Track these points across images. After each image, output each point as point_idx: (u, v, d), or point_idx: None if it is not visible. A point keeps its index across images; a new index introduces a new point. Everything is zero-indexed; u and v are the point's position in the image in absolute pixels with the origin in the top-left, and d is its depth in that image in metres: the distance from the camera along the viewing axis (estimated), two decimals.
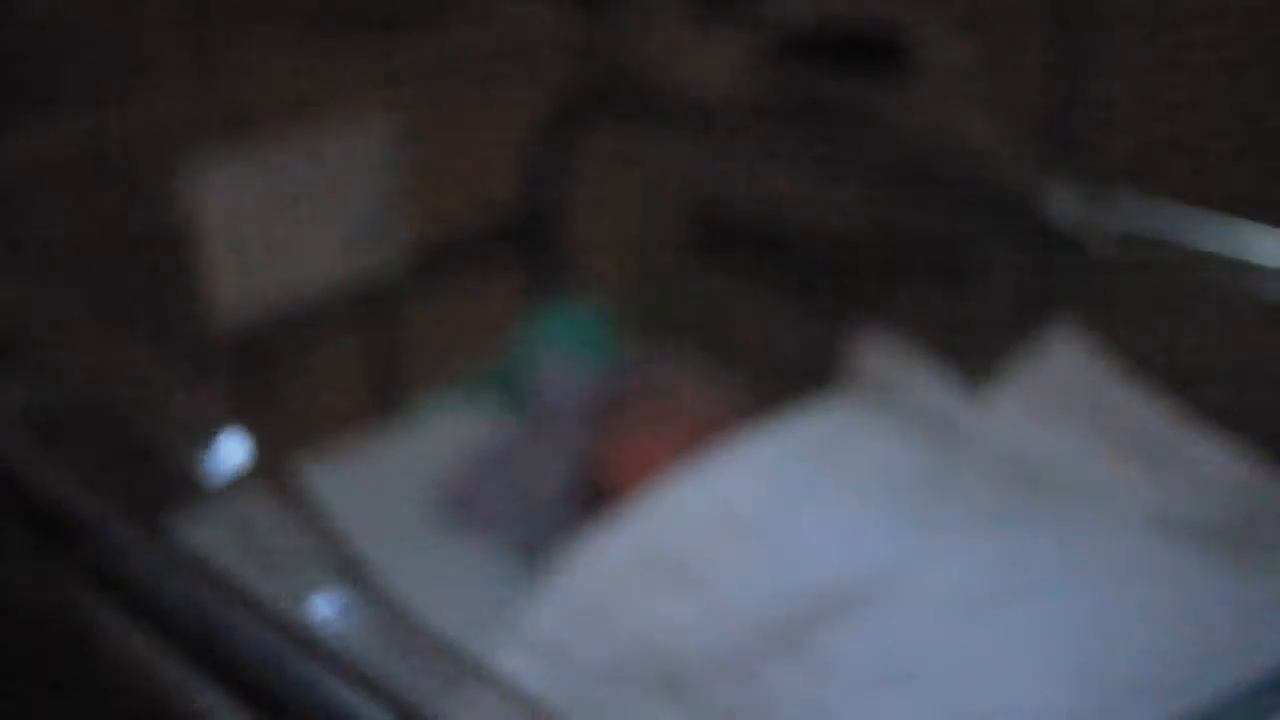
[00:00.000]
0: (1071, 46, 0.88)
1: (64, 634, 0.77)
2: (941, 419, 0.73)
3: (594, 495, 0.77)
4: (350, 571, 0.60)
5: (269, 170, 0.88)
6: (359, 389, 0.97)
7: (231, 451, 0.67)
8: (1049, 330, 0.77)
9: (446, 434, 0.90)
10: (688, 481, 0.67)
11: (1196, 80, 0.80)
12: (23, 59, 0.86)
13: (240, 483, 0.66)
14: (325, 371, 0.96)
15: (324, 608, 0.63)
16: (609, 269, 1.07)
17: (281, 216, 0.89)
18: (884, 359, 0.80)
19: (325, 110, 0.91)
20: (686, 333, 0.98)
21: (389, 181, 0.94)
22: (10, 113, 0.84)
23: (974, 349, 0.82)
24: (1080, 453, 0.70)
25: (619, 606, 0.65)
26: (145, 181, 0.87)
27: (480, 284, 1.02)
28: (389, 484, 0.85)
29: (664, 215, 1.06)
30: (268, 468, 0.64)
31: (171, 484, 0.79)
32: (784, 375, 0.89)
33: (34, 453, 0.70)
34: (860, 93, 0.94)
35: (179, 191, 0.87)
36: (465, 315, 1.00)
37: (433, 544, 0.81)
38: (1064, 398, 0.72)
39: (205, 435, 0.67)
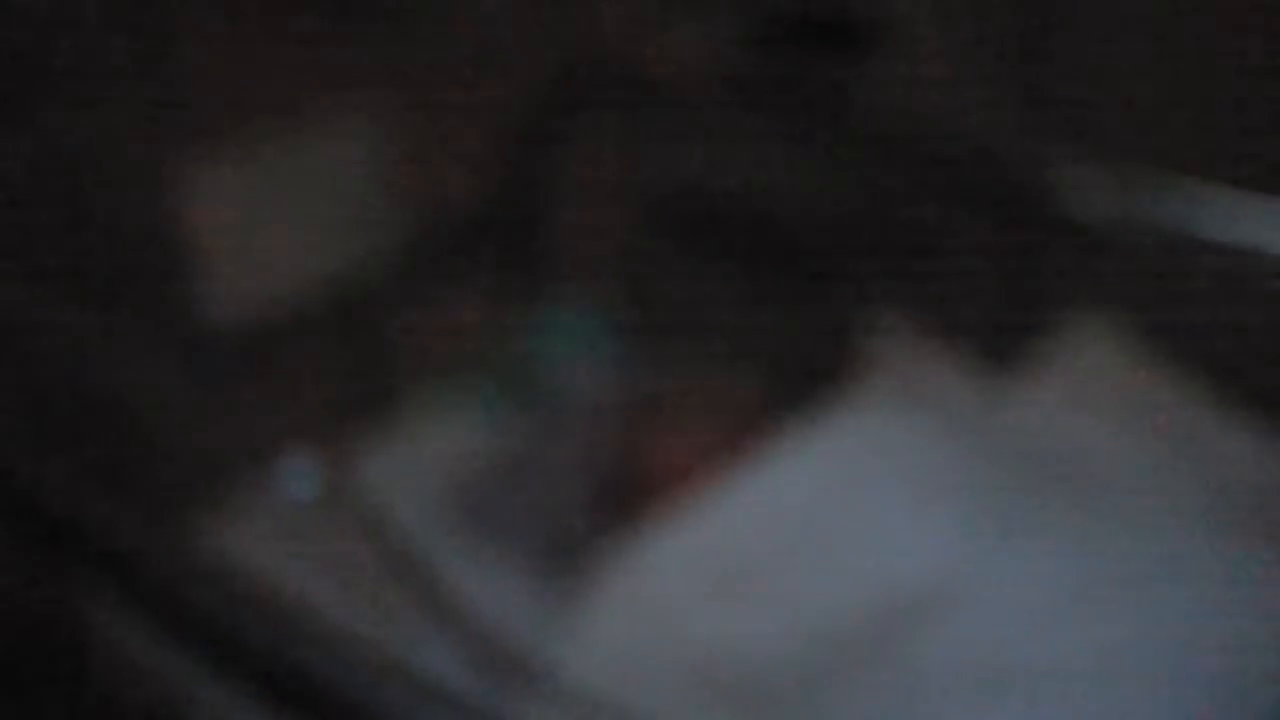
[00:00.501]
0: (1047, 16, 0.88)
1: (81, 644, 0.76)
2: (978, 414, 0.73)
3: (626, 497, 0.76)
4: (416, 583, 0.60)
5: (256, 169, 0.87)
6: (350, 391, 0.95)
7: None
8: (1074, 317, 0.76)
9: (449, 437, 0.88)
10: (746, 487, 0.67)
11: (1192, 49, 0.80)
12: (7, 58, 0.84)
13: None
14: (316, 373, 0.94)
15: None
16: (595, 262, 1.06)
17: (270, 216, 0.88)
18: (902, 349, 0.80)
19: (312, 106, 0.89)
20: (676, 324, 0.97)
21: (376, 178, 0.93)
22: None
23: (973, 332, 0.82)
24: (1121, 447, 0.69)
25: (689, 615, 0.64)
26: (134, 181, 0.86)
27: (469, 281, 1.01)
28: (394, 490, 0.83)
29: (646, 204, 1.05)
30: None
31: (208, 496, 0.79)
32: (783, 365, 0.88)
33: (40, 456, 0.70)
34: (837, 71, 0.93)
35: (167, 191, 0.85)
36: (456, 313, 0.99)
37: (449, 552, 0.79)
38: (1098, 389, 0.72)
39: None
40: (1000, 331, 0.80)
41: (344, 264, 0.91)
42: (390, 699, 0.55)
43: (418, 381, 0.95)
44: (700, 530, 0.66)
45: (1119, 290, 0.78)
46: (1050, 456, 0.71)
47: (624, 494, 0.77)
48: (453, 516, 0.82)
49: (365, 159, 0.91)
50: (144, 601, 0.65)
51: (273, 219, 0.88)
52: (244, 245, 0.87)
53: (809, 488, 0.66)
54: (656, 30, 1.02)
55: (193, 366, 0.85)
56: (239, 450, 0.86)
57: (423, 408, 0.94)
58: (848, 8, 0.98)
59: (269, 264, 0.88)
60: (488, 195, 1.00)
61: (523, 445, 0.85)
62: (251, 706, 0.58)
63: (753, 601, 0.64)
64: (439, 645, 0.69)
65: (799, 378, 0.82)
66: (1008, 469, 0.68)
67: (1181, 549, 0.61)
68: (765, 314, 0.95)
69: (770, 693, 0.61)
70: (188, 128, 0.85)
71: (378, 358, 0.96)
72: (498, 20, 0.99)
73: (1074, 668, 0.56)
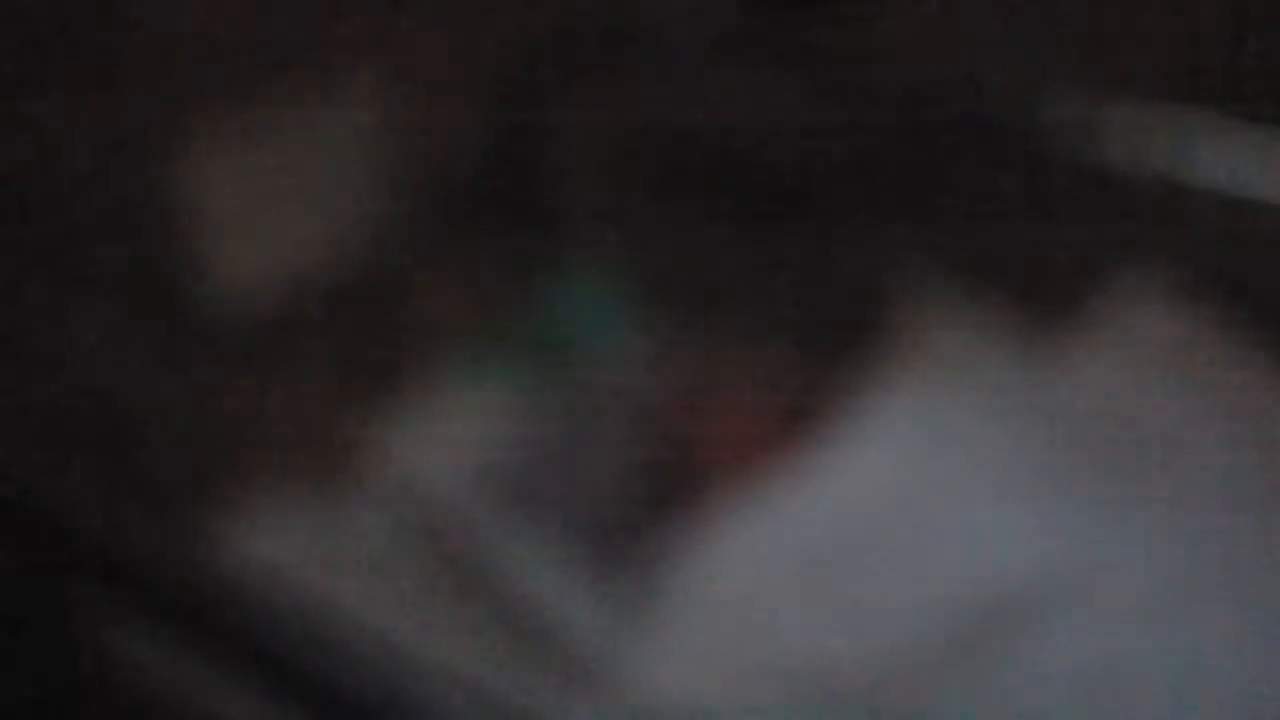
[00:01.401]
0: None
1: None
2: (1034, 389, 0.72)
3: (671, 482, 0.74)
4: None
5: (250, 149, 0.85)
6: (365, 370, 0.94)
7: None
8: (1120, 278, 0.75)
9: (473, 417, 0.86)
10: (813, 477, 0.66)
11: None
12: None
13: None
14: (328, 358, 0.92)
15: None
16: (602, 227, 1.04)
17: (269, 196, 0.86)
18: (944, 317, 0.78)
19: (303, 76, 0.87)
20: (684, 288, 0.96)
21: (374, 149, 0.91)
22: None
23: (1015, 296, 0.81)
24: (1192, 425, 0.68)
25: (767, 613, 0.64)
26: (138, 164, 0.84)
27: (476, 253, 0.99)
28: (422, 475, 0.81)
29: (646, 162, 1.03)
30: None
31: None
32: (818, 334, 0.87)
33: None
34: (840, 16, 0.92)
35: (169, 172, 0.83)
36: (466, 288, 0.97)
37: (489, 542, 0.77)
38: (1159, 361, 0.71)
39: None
40: (1043, 294, 0.79)
41: (349, 242, 0.88)
42: (431, 704, 0.54)
43: (434, 361, 0.93)
44: (771, 523, 0.65)
45: (1167, 246, 0.77)
46: (1120, 438, 0.70)
47: (669, 478, 0.75)
48: (487, 503, 0.81)
49: (362, 130, 0.89)
50: (156, 610, 0.64)
51: (272, 200, 0.86)
52: (245, 229, 0.85)
53: (879, 477, 0.65)
54: None
55: (199, 359, 0.83)
56: (253, 444, 0.84)
57: (441, 387, 0.93)
58: None
59: (272, 247, 0.86)
60: (486, 160, 0.99)
61: (554, 426, 0.83)
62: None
63: (833, 599, 0.63)
64: (488, 644, 0.68)
65: (837, 347, 0.81)
66: (1079, 451, 0.68)
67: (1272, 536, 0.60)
68: (792, 280, 0.94)
69: (858, 693, 0.61)
70: (177, 111, 0.83)
71: (390, 338, 0.94)
72: None
73: (1178, 664, 0.56)
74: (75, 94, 0.82)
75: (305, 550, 0.70)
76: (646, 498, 0.76)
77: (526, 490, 0.83)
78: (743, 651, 0.63)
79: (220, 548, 0.70)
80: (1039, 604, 0.60)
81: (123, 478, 0.81)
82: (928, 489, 0.65)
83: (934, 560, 0.63)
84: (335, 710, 0.57)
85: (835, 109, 0.92)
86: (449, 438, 0.86)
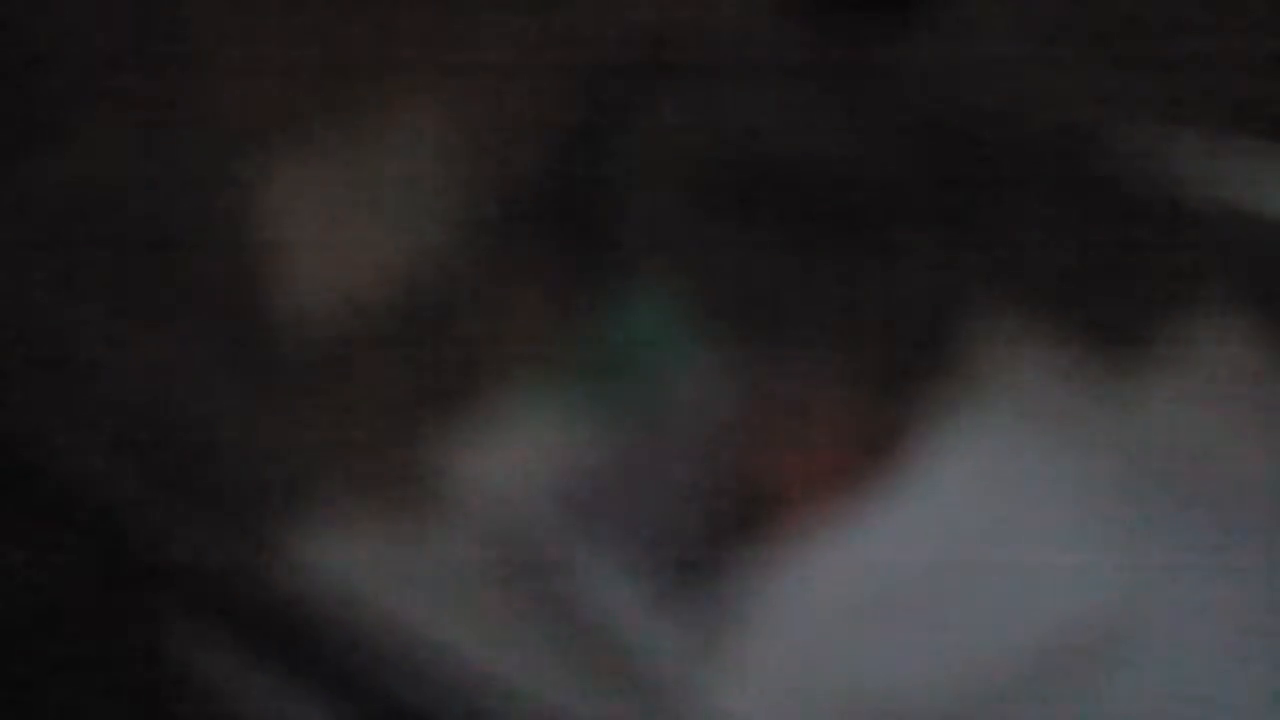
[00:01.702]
0: None
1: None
2: (1106, 424, 0.72)
3: (740, 508, 0.74)
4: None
5: (321, 166, 0.85)
6: (437, 389, 0.94)
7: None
8: (1190, 311, 0.75)
9: (545, 435, 0.87)
10: (882, 508, 0.66)
11: None
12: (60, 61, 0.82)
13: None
14: (399, 372, 0.93)
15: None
16: (665, 246, 1.04)
17: (338, 213, 0.86)
18: (1010, 347, 0.78)
19: (384, 98, 0.87)
20: (750, 310, 0.96)
21: (443, 165, 0.91)
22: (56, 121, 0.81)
23: (1083, 329, 0.81)
24: (1264, 459, 0.68)
25: (838, 643, 0.64)
26: (212, 182, 0.84)
27: (543, 272, 0.99)
28: (492, 493, 0.82)
29: (713, 182, 1.03)
30: None
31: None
32: (882, 362, 0.87)
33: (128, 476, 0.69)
34: (893, 33, 0.91)
35: (240, 191, 0.83)
36: (536, 305, 0.97)
37: (560, 555, 0.78)
38: (1231, 392, 0.71)
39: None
40: (1115, 325, 0.79)
41: (420, 262, 0.89)
42: None
43: (505, 379, 0.93)
44: (842, 552, 0.65)
45: (1241, 277, 0.77)
46: (1195, 475, 0.70)
47: (739, 504, 0.76)
48: (561, 523, 0.81)
49: (431, 150, 0.89)
50: (231, 625, 0.65)
51: (340, 216, 0.87)
52: (316, 248, 0.86)
53: (949, 510, 0.65)
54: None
55: (274, 378, 0.84)
56: (327, 462, 0.85)
57: (513, 406, 0.93)
58: None
59: (340, 263, 0.87)
60: (555, 180, 0.99)
61: (625, 447, 0.83)
62: None
63: (904, 632, 0.63)
64: (561, 664, 0.69)
65: (905, 375, 0.81)
66: (1153, 489, 0.67)
67: None
68: (859, 305, 0.94)
69: None
70: (249, 131, 0.84)
71: (461, 357, 0.94)
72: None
73: (1258, 710, 0.55)
74: (147, 113, 0.83)
75: (380, 569, 0.70)
76: (718, 522, 0.76)
77: (599, 511, 0.84)
78: (812, 681, 0.63)
79: (295, 565, 0.70)
80: (1113, 644, 0.60)
81: (199, 494, 0.82)
82: (998, 523, 0.65)
83: (1005, 597, 0.63)
84: None
85: (901, 130, 0.92)
86: (521, 457, 0.87)
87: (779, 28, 0.95)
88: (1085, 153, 0.83)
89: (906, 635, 0.63)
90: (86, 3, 0.81)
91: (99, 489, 0.69)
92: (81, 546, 0.70)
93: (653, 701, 0.64)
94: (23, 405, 0.71)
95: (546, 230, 0.99)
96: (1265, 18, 0.82)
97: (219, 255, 0.85)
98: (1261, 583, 0.60)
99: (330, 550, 0.76)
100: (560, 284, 0.99)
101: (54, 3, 0.81)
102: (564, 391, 0.93)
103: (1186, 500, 0.67)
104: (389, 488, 0.81)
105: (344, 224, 0.87)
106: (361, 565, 0.71)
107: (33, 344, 0.77)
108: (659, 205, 1.03)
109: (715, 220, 1.01)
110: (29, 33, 0.81)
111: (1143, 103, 0.82)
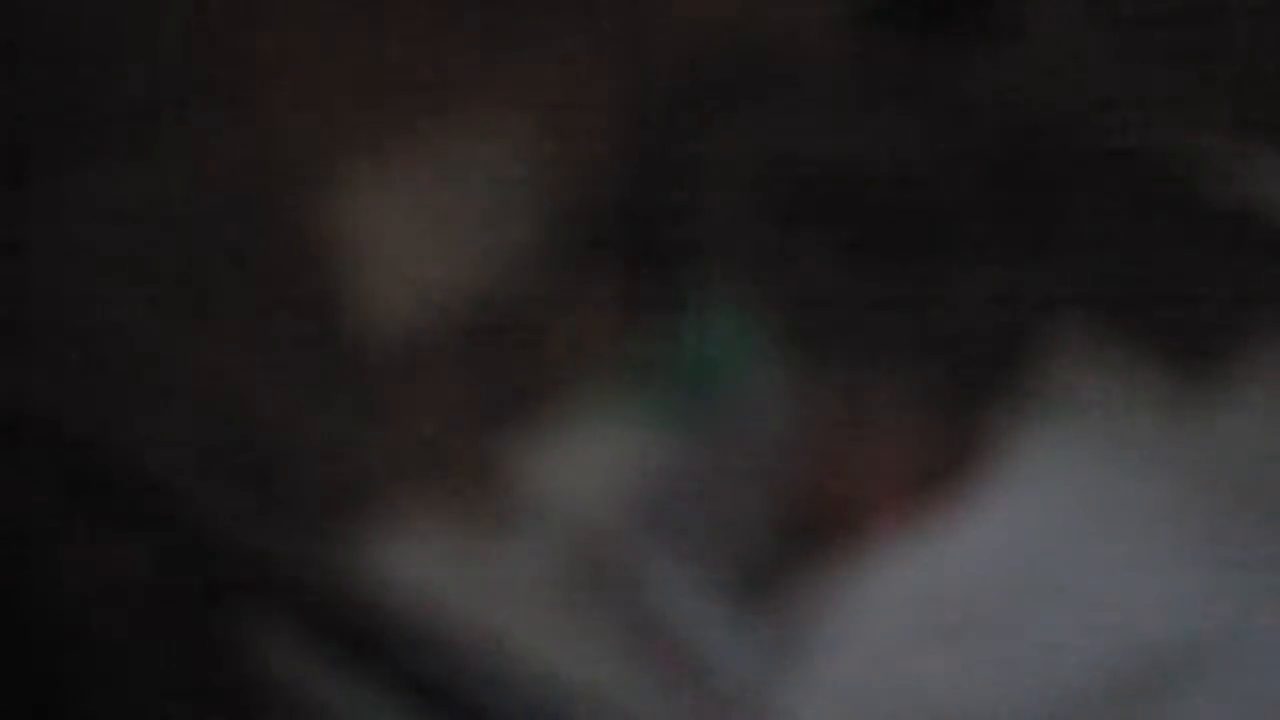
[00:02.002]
0: None
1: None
2: (1183, 441, 0.71)
3: (815, 523, 0.75)
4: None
5: (398, 177, 0.86)
6: (510, 398, 0.95)
7: None
8: (1269, 326, 0.74)
9: (617, 445, 0.87)
10: (959, 524, 0.66)
11: None
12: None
13: None
14: (472, 381, 0.94)
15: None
16: (731, 256, 1.05)
17: (413, 223, 0.87)
18: (1085, 361, 0.78)
19: (458, 114, 0.88)
20: (820, 322, 0.96)
21: (515, 177, 0.91)
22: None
23: (1156, 343, 0.80)
24: None
25: (914, 661, 0.64)
26: (282, 196, 0.85)
27: (611, 281, 0.99)
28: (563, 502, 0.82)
29: (778, 192, 1.03)
30: None
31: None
32: (952, 374, 0.87)
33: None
34: (958, 52, 0.91)
35: (316, 205, 0.84)
36: (605, 316, 0.98)
37: (632, 564, 0.78)
38: None
39: None
40: (1188, 341, 0.78)
41: (490, 268, 0.90)
42: None
43: (576, 390, 0.94)
44: (917, 569, 0.65)
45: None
46: (1271, 493, 0.69)
47: (812, 519, 0.76)
48: (633, 532, 0.82)
49: (504, 162, 0.90)
50: (304, 628, 0.65)
51: (419, 231, 0.87)
52: (389, 255, 0.86)
53: (1028, 527, 0.65)
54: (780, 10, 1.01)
55: (349, 385, 0.85)
56: (401, 468, 0.86)
57: (584, 416, 0.94)
58: None
59: (415, 273, 0.87)
60: (625, 191, 0.99)
61: (696, 457, 0.84)
62: None
63: (973, 649, 0.63)
64: (631, 670, 0.69)
65: (976, 390, 0.81)
66: (1230, 508, 0.67)
67: None
68: (929, 319, 0.94)
69: None
70: (325, 147, 0.85)
71: (533, 367, 0.95)
72: (623, 8, 0.97)
73: None
74: (228, 128, 0.84)
75: (455, 574, 0.71)
76: (790, 536, 0.76)
77: (672, 521, 0.84)
78: (882, 695, 0.63)
79: (371, 569, 0.71)
80: (1186, 664, 0.59)
81: (275, 500, 0.83)
82: (1073, 541, 0.65)
83: (1077, 614, 0.62)
84: None
85: (972, 141, 0.91)
86: (594, 466, 0.88)
87: (848, 44, 0.95)
88: (1160, 169, 0.82)
89: (979, 653, 0.62)
90: (163, 25, 0.82)
91: (180, 496, 0.70)
92: (163, 551, 0.71)
93: (725, 711, 0.64)
94: (106, 414, 0.72)
95: (619, 245, 0.99)
96: None
97: (295, 266, 0.85)
98: None
99: (406, 555, 0.77)
100: (633, 298, 0.99)
101: (132, 24, 0.82)
102: (638, 404, 0.94)
103: (1263, 518, 0.67)
104: (464, 494, 0.81)
105: (419, 236, 0.87)
106: (436, 570, 0.72)
107: (112, 352, 0.78)
108: (730, 221, 1.03)
109: (787, 236, 1.01)
110: (106, 51, 0.82)
111: (1218, 119, 0.82)
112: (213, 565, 0.69)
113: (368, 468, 0.84)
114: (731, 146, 1.02)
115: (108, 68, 0.82)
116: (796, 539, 0.76)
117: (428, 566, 0.72)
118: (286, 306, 0.86)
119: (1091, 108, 0.86)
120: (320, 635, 0.66)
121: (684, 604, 0.80)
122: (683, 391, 0.91)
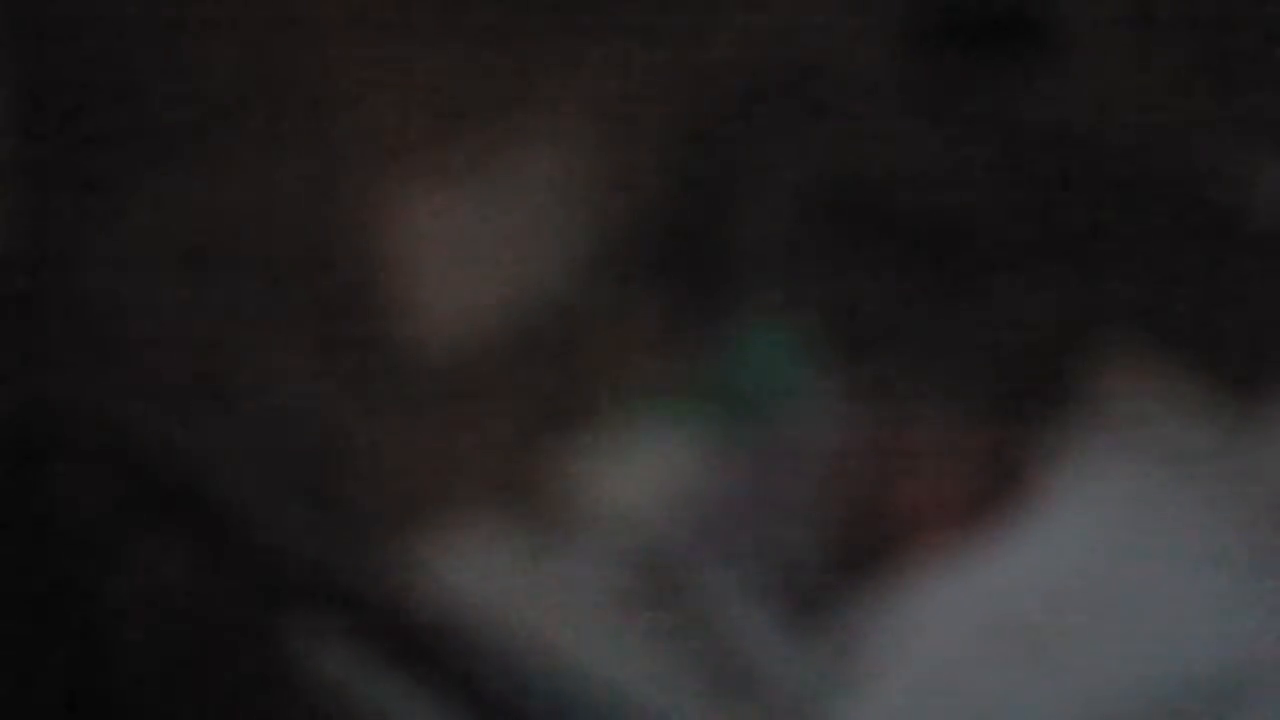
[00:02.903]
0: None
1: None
2: (1230, 463, 0.72)
3: (864, 538, 0.75)
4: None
5: (451, 190, 0.86)
6: (562, 409, 0.95)
7: None
8: None
9: (669, 458, 0.88)
10: (1014, 542, 0.66)
11: None
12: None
13: None
14: (525, 393, 0.94)
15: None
16: (777, 272, 1.05)
17: (466, 236, 0.87)
18: (1133, 383, 0.78)
19: (511, 130, 0.88)
20: (869, 338, 0.96)
21: (565, 191, 0.92)
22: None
23: (1203, 364, 0.80)
24: None
25: (968, 676, 0.64)
26: (336, 208, 0.86)
27: (660, 295, 1.00)
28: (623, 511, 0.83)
29: (825, 209, 1.04)
30: None
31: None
32: (1004, 393, 0.87)
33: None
34: (1007, 71, 0.92)
35: (371, 215, 0.85)
36: (655, 329, 0.98)
37: (682, 581, 0.79)
38: None
39: None
40: (1237, 357, 0.78)
41: (544, 282, 0.90)
42: None
43: (627, 401, 0.94)
44: (973, 586, 0.65)
45: None
46: None
47: (865, 536, 0.76)
48: (687, 543, 0.82)
49: (556, 177, 0.91)
50: (360, 635, 0.65)
51: (471, 240, 0.88)
52: (446, 269, 0.87)
53: (1079, 548, 0.65)
54: (827, 28, 1.01)
55: (405, 396, 0.85)
56: (457, 479, 0.86)
57: (636, 428, 0.95)
58: (1023, 8, 0.96)
59: (471, 287, 0.88)
60: (675, 206, 1.00)
61: (746, 471, 0.84)
62: None
63: (1043, 666, 0.63)
64: (686, 681, 0.69)
65: (1029, 406, 0.81)
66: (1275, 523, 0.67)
67: None
68: (979, 335, 0.94)
69: None
70: (382, 155, 0.85)
71: (585, 378, 0.95)
72: (671, 24, 0.98)
73: None
74: (287, 144, 0.85)
75: (508, 584, 0.71)
76: (843, 549, 0.77)
77: (726, 533, 0.84)
78: (936, 707, 0.64)
79: (425, 578, 0.71)
80: (1241, 677, 0.60)
81: (334, 509, 0.84)
82: (1125, 556, 0.65)
83: (1126, 637, 0.63)
84: None
85: (1020, 160, 0.92)
86: (649, 479, 0.88)
87: (896, 66, 0.96)
88: (1208, 189, 0.82)
89: (1031, 665, 0.62)
90: (218, 37, 0.83)
91: (240, 505, 0.70)
92: (221, 559, 0.71)
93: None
94: (167, 423, 0.73)
95: (670, 259, 1.00)
96: None
97: (354, 281, 0.86)
98: None
99: (460, 565, 0.77)
100: (684, 312, 1.00)
101: (187, 37, 0.83)
102: (689, 417, 0.94)
103: None
104: (520, 507, 0.82)
105: (474, 250, 0.88)
106: (490, 581, 0.72)
107: (174, 363, 0.79)
108: (782, 238, 1.04)
109: (837, 254, 1.01)
110: (162, 63, 0.82)
111: (1266, 141, 0.82)
112: (270, 574, 0.70)
113: (425, 479, 0.84)
114: (781, 163, 1.02)
115: (168, 86, 0.83)
116: (850, 554, 0.77)
117: (484, 577, 0.73)
118: (345, 319, 0.87)
119: (1137, 129, 0.86)
120: (376, 645, 0.66)
121: (738, 616, 0.81)
122: (734, 406, 0.92)
